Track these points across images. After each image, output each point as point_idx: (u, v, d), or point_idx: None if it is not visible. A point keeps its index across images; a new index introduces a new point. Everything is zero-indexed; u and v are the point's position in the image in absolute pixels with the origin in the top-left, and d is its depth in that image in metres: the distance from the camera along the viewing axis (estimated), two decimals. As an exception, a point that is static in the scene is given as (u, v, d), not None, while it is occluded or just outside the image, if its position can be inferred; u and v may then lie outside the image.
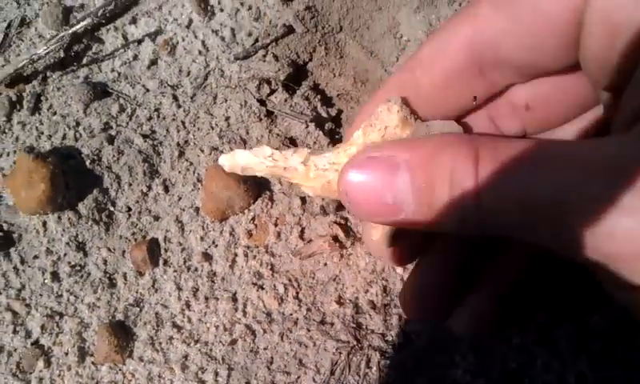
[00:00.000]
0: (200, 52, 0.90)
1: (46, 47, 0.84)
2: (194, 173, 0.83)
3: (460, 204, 0.26)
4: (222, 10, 0.93)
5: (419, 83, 0.33)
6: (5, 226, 0.80)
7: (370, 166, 0.29)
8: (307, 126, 0.85)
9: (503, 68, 0.31)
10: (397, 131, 0.33)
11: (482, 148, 0.26)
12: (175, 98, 0.87)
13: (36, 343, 0.75)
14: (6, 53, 0.92)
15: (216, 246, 0.81)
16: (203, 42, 0.91)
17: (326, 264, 0.80)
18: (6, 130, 0.86)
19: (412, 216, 0.28)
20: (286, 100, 0.87)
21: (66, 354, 0.75)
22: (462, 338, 0.75)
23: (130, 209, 0.81)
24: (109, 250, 0.80)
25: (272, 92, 0.87)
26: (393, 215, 0.29)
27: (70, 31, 0.84)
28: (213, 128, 0.85)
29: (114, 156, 0.82)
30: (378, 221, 0.30)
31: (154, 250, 0.79)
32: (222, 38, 0.91)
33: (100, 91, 0.86)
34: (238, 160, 0.34)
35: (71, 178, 0.79)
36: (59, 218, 0.79)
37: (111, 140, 0.83)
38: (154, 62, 0.89)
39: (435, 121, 0.34)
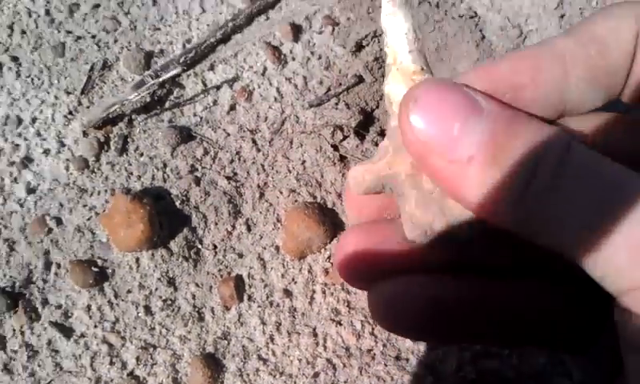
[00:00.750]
0: (275, 98, 0.96)
1: (136, 93, 0.90)
2: (273, 213, 0.89)
3: (524, 183, 0.25)
4: (293, 59, 0.99)
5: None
6: (99, 262, 0.85)
7: (455, 91, 0.27)
8: (378, 171, 0.91)
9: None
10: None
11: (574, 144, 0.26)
12: (254, 141, 0.93)
13: (131, 374, 0.80)
14: (89, 95, 0.98)
15: (295, 282, 0.86)
16: (278, 89, 0.97)
17: (398, 301, 0.85)
18: (95, 170, 0.91)
19: (471, 165, 0.25)
20: (357, 146, 0.93)
21: (160, 384, 0.80)
22: (530, 376, 0.81)
23: (215, 247, 0.87)
24: (197, 285, 0.85)
25: (344, 138, 0.94)
26: (450, 152, 0.26)
27: (160, 80, 0.91)
28: (290, 171, 0.91)
29: (201, 197, 0.88)
30: (427, 156, 0.27)
31: (239, 286, 0.85)
32: (295, 86, 0.97)
33: (185, 135, 0.92)
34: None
35: (163, 218, 0.85)
36: (152, 254, 0.84)
37: (197, 181, 0.89)
38: (232, 108, 0.96)
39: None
